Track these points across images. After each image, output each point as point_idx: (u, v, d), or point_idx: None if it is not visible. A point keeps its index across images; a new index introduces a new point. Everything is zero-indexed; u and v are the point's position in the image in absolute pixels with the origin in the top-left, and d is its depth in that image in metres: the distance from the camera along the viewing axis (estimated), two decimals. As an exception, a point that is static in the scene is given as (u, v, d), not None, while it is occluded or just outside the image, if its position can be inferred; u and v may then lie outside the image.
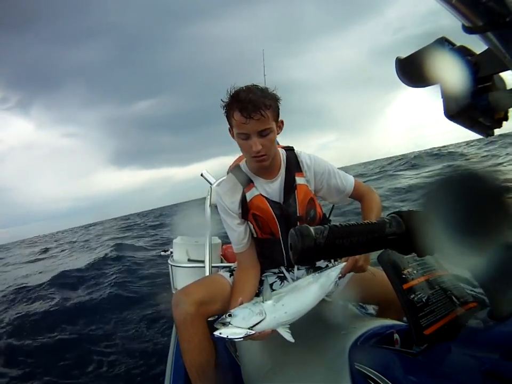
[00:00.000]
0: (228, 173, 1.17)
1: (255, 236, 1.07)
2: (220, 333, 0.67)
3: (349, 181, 1.10)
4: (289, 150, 1.10)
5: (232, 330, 0.68)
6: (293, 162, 1.07)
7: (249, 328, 0.68)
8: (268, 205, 1.01)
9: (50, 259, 7.82)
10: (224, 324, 0.68)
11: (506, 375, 0.31)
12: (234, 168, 1.10)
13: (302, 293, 0.77)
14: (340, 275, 0.83)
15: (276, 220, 1.01)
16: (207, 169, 1.87)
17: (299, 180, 1.04)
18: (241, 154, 1.14)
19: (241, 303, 0.75)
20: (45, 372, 1.83)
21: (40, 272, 5.29)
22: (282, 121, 1.01)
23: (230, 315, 0.69)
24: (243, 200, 1.03)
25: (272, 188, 1.04)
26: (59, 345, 2.16)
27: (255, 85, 0.95)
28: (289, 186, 1.03)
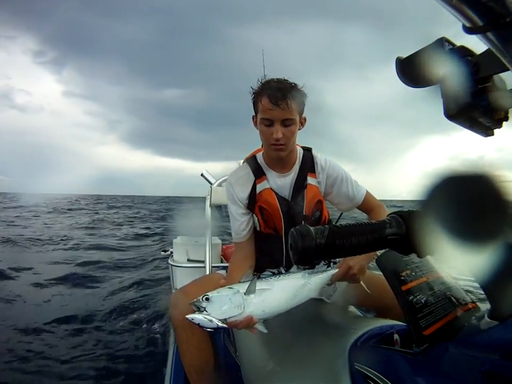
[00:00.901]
0: (243, 162, 1.18)
1: (258, 229, 1.07)
2: (192, 318, 0.65)
3: (360, 191, 1.10)
4: (307, 150, 1.11)
5: (206, 318, 0.64)
6: (308, 162, 1.08)
7: (223, 321, 0.65)
8: (276, 199, 1.03)
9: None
10: (199, 309, 0.65)
11: (506, 375, 0.31)
12: (250, 158, 1.12)
13: (286, 293, 0.75)
14: (329, 282, 0.81)
15: (282, 216, 1.02)
16: (207, 170, 1.88)
17: (310, 180, 1.05)
18: (257, 148, 1.19)
19: (223, 285, 0.73)
20: (40, 372, 1.82)
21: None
22: (305, 118, 1.04)
23: (207, 299, 0.66)
24: (252, 191, 1.05)
25: (283, 183, 1.05)
26: (54, 343, 2.15)
27: (286, 79, 1.00)
28: (300, 185, 1.05)
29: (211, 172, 1.86)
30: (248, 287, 0.70)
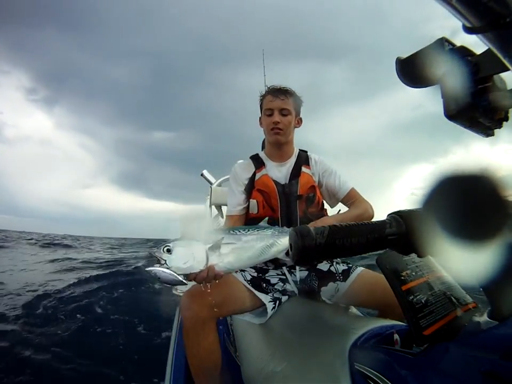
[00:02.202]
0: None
1: (256, 212, 1.15)
2: (152, 271, 0.60)
3: (346, 185, 1.20)
4: (303, 151, 1.27)
5: (166, 273, 0.60)
6: (303, 157, 1.24)
7: (183, 276, 0.62)
8: (273, 182, 1.15)
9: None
10: (159, 261, 0.61)
11: (506, 375, 0.31)
12: (254, 155, 1.28)
13: (252, 250, 0.74)
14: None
15: (278, 196, 1.13)
16: (207, 170, 1.88)
17: (304, 170, 1.19)
18: None
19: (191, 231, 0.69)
20: (38, 372, 1.82)
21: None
22: (301, 119, 1.24)
23: (169, 250, 0.62)
24: (252, 178, 1.19)
25: (280, 171, 1.20)
26: (52, 344, 2.15)
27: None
28: (295, 173, 1.18)
29: (202, 171, 1.87)
30: (215, 243, 0.67)
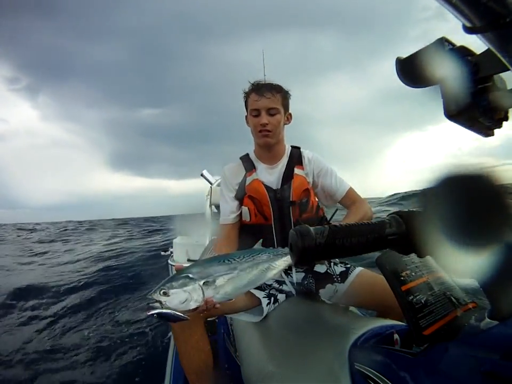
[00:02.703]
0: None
1: (248, 220, 1.10)
2: (154, 314, 0.64)
3: (343, 185, 1.15)
4: (296, 148, 1.20)
5: (167, 313, 0.64)
6: (296, 156, 1.16)
7: (183, 312, 0.66)
8: (264, 188, 1.09)
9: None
10: (161, 303, 0.65)
11: (506, 375, 0.31)
12: (243, 155, 1.21)
13: (248, 277, 0.75)
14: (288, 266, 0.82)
15: (270, 203, 1.07)
16: (207, 170, 1.88)
17: (298, 171, 1.12)
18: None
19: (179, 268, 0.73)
20: (37, 374, 1.82)
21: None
22: (291, 114, 1.15)
23: (165, 293, 0.65)
24: (242, 184, 1.12)
25: (272, 175, 1.13)
26: (51, 345, 2.15)
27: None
28: (287, 175, 1.11)
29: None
30: (209, 278, 0.70)
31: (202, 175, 1.84)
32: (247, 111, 1.14)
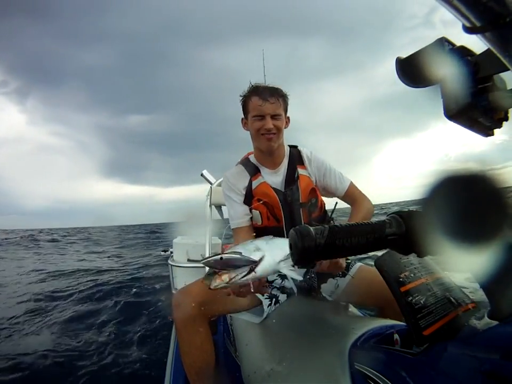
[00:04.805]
0: (236, 165, 1.22)
1: (260, 223, 1.08)
2: (217, 283, 0.57)
3: (344, 182, 1.15)
4: (293, 147, 1.19)
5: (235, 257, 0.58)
6: (296, 156, 1.15)
7: (251, 265, 0.58)
8: (273, 191, 1.07)
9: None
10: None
11: (506, 375, 0.31)
12: (243, 160, 1.18)
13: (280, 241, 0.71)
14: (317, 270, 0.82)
15: (280, 205, 1.06)
16: (207, 170, 1.88)
17: (301, 171, 1.11)
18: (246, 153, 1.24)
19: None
20: (37, 375, 1.81)
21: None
22: (289, 118, 1.13)
23: (221, 258, 0.59)
24: (248, 188, 1.10)
25: (276, 179, 1.11)
26: (52, 346, 2.15)
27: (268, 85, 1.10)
28: (291, 177, 1.10)
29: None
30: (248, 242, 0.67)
31: (202, 175, 1.84)
32: (245, 114, 1.11)
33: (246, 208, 1.09)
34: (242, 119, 1.13)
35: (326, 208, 1.18)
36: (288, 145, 1.19)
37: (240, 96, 1.11)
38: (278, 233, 1.05)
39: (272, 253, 0.64)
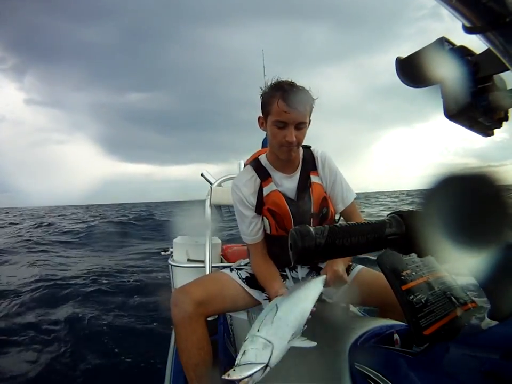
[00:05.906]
0: (244, 165, 1.18)
1: (268, 231, 1.06)
2: (238, 377, 0.61)
3: (350, 196, 1.09)
4: (306, 148, 1.10)
5: (249, 367, 0.62)
6: (309, 160, 1.08)
7: (265, 365, 0.63)
8: (284, 201, 1.02)
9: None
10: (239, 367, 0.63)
11: (506, 375, 0.31)
12: (253, 161, 1.11)
13: (294, 305, 0.76)
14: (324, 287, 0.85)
15: (291, 216, 1.02)
16: (207, 170, 1.87)
17: (314, 179, 1.05)
18: (254, 152, 1.21)
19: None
20: (37, 371, 1.82)
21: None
22: (310, 120, 1.02)
23: (237, 365, 0.64)
24: (259, 194, 1.04)
25: (290, 184, 1.05)
26: (53, 344, 2.15)
27: (292, 81, 0.98)
28: (304, 184, 1.04)
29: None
30: (254, 324, 0.73)
31: (202, 175, 1.84)
32: (264, 113, 1.00)
33: (258, 222, 1.04)
34: (259, 117, 1.03)
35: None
36: (301, 146, 1.10)
37: (261, 89, 1.01)
38: (285, 241, 1.03)
39: (281, 337, 0.68)
